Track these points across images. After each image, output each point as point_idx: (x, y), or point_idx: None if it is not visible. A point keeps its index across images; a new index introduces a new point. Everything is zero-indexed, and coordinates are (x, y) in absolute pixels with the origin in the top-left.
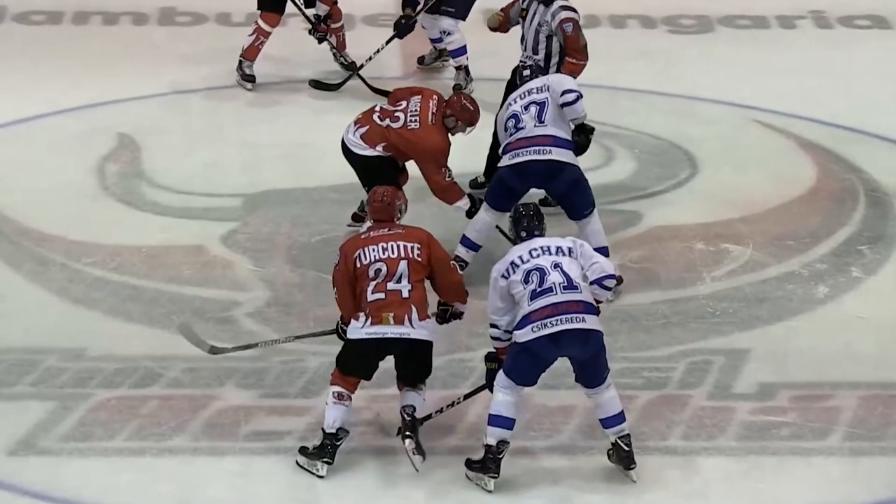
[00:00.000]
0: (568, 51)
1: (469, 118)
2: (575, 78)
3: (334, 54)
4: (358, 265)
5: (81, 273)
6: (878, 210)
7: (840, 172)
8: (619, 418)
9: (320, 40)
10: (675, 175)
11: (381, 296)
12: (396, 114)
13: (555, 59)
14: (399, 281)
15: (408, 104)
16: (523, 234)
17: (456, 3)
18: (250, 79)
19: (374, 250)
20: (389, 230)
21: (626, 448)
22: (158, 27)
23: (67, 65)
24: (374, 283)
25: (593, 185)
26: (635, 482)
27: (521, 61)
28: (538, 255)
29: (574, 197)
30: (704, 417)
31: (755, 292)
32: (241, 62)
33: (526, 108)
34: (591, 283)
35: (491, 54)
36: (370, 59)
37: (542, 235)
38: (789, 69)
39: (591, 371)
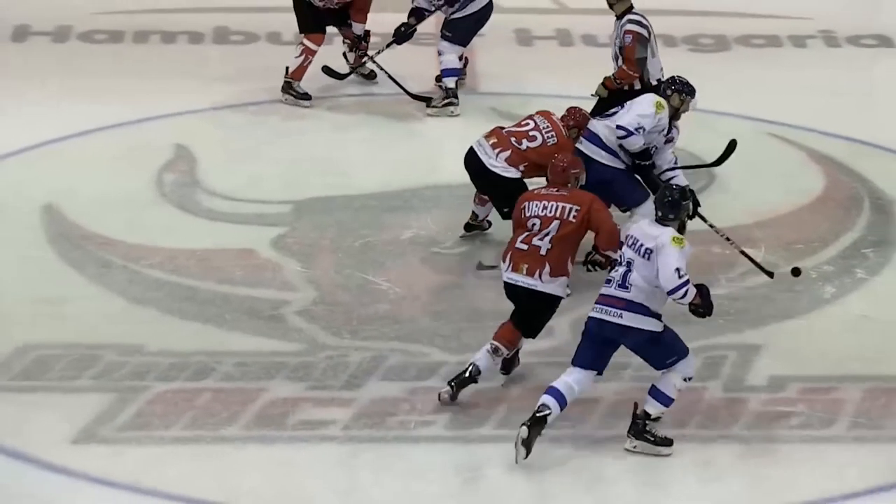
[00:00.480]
0: (624, 59)
1: (581, 121)
2: (620, 83)
3: (364, 68)
4: (521, 215)
5: (140, 274)
6: (881, 216)
7: (847, 182)
8: (656, 394)
9: (360, 57)
10: (694, 183)
11: (525, 247)
12: (531, 133)
13: None
14: (543, 238)
15: (535, 124)
16: (658, 213)
17: (455, 30)
18: (306, 97)
19: (536, 206)
20: (558, 191)
21: (632, 416)
22: (213, 45)
23: (129, 81)
24: (525, 234)
25: None
26: (626, 449)
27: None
28: (630, 245)
29: (610, 192)
30: (719, 408)
31: (767, 292)
32: (290, 83)
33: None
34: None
35: (527, 71)
36: (378, 54)
37: (664, 222)
38: (801, 85)
39: (644, 357)
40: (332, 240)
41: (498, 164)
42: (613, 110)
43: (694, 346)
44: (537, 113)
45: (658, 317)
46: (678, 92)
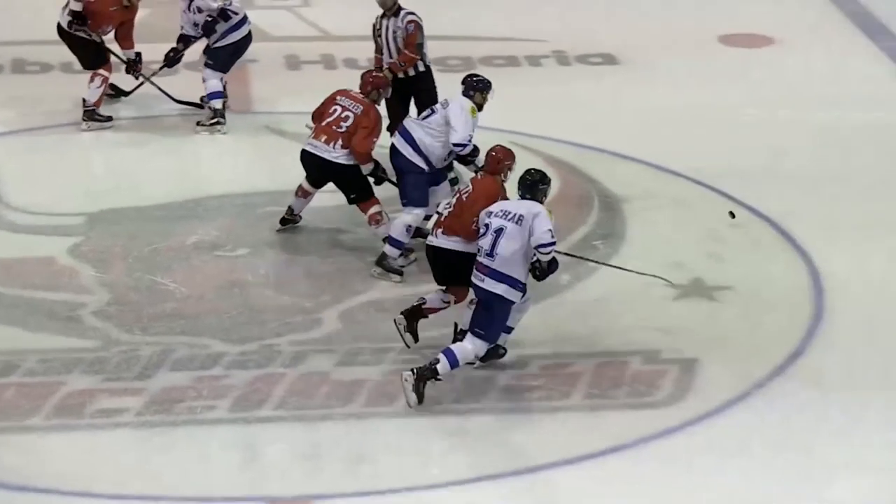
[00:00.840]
0: (406, 45)
1: (385, 82)
2: (404, 66)
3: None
4: None
5: None
6: (609, 213)
7: (580, 183)
8: (448, 353)
9: (136, 77)
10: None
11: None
12: (344, 115)
13: None
14: (449, 207)
15: (342, 106)
16: (519, 193)
17: (216, 59)
18: (109, 118)
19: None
20: (479, 178)
21: (429, 362)
22: (12, 75)
23: None
24: None
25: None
26: (409, 406)
27: (382, 65)
28: (498, 216)
29: (401, 182)
30: (472, 383)
31: None
32: (92, 111)
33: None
34: (534, 247)
35: (296, 93)
36: (153, 75)
37: (525, 198)
38: (538, 99)
39: (480, 314)
40: (123, 247)
41: (336, 153)
42: (425, 114)
43: (450, 330)
44: (336, 95)
45: (517, 287)
46: (480, 90)
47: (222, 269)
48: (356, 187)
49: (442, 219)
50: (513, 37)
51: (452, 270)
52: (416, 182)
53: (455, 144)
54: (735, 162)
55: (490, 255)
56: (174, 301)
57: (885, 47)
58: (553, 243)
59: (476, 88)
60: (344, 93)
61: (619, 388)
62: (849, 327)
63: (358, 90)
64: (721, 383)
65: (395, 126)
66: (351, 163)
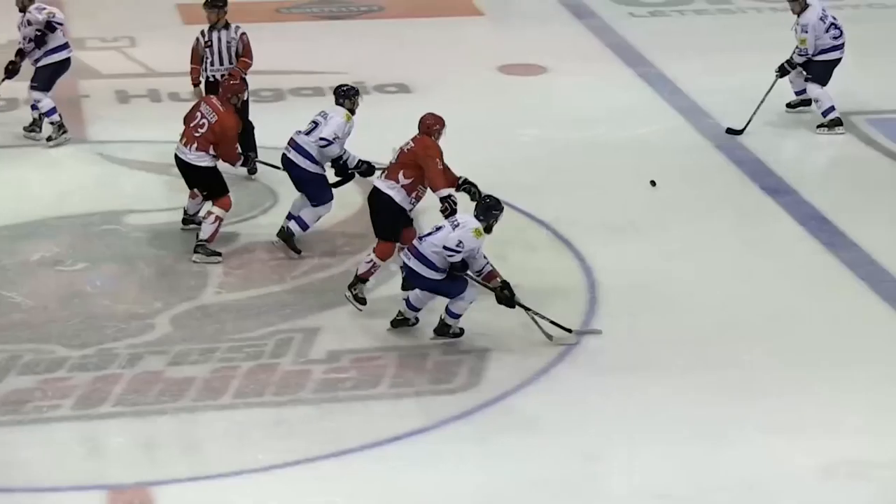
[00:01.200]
0: (245, 53)
1: (242, 88)
2: (245, 73)
3: None
4: None
5: None
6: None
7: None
8: (449, 312)
9: None
10: (261, 204)
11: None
12: (201, 122)
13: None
14: (395, 158)
15: (201, 113)
16: (475, 212)
17: (40, 80)
18: None
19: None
20: (418, 137)
21: (439, 323)
22: None
23: None
24: None
25: None
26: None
27: (213, 74)
28: (448, 220)
29: (305, 188)
30: (290, 377)
31: (323, 286)
32: None
33: (312, 121)
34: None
35: (126, 123)
36: None
37: (478, 218)
38: None
39: (437, 294)
40: None
41: (192, 155)
42: (309, 128)
43: (269, 330)
44: (201, 101)
45: (438, 270)
46: (349, 97)
47: (63, 282)
48: (208, 185)
49: (386, 167)
50: (317, 70)
51: (383, 216)
52: (319, 183)
53: (321, 138)
54: (514, 175)
55: (420, 239)
56: (20, 312)
57: (641, 73)
58: (455, 252)
59: (345, 96)
60: (206, 99)
61: (421, 377)
62: (617, 317)
63: (221, 93)
64: (510, 370)
65: None
66: (204, 164)
